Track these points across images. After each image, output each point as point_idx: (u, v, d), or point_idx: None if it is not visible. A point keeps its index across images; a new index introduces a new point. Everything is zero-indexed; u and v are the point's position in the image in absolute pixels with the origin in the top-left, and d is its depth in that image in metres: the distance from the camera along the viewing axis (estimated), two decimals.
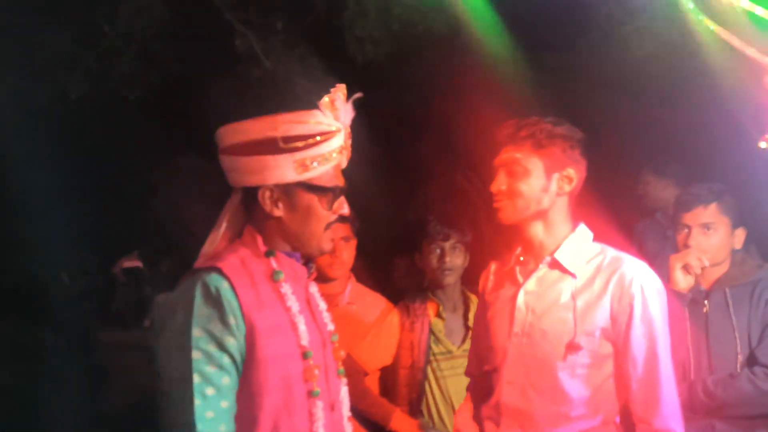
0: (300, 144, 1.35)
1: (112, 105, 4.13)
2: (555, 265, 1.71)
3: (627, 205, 3.48)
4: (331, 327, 1.52)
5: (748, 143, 1.74)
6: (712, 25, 1.51)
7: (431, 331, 2.49)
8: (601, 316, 1.65)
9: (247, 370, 1.34)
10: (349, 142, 1.45)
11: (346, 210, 1.46)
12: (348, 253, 2.51)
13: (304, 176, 1.38)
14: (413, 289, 2.62)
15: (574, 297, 1.66)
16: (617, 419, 1.68)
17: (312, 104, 1.38)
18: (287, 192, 1.40)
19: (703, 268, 2.12)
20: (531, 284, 1.73)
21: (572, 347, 1.63)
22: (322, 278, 2.53)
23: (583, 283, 1.68)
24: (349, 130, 1.44)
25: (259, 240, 1.43)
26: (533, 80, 4.15)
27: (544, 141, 1.66)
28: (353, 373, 2.47)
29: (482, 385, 1.86)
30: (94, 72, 4.04)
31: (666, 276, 3.46)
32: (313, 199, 1.41)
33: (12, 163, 3.61)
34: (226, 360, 1.31)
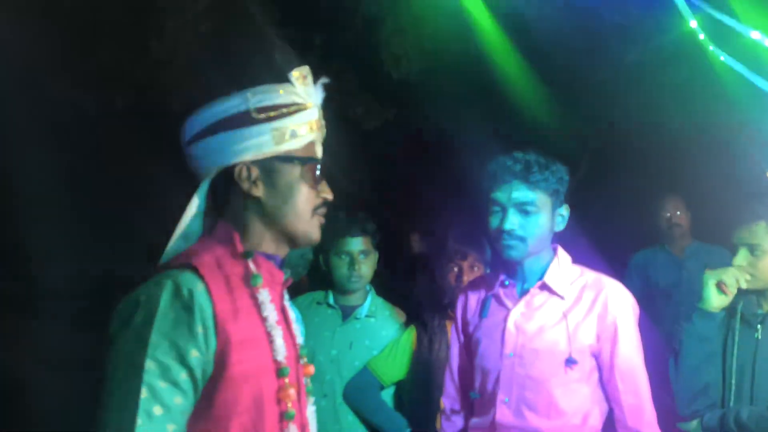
0: (275, 113, 1.26)
1: (157, 116, 4.31)
2: (544, 288, 1.79)
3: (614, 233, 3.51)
4: (300, 341, 1.37)
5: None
6: (724, 57, 1.51)
7: (449, 348, 2.51)
8: (589, 334, 1.74)
9: (213, 389, 1.16)
10: (323, 123, 1.36)
11: (330, 195, 1.34)
12: (367, 266, 2.54)
13: (283, 147, 1.27)
14: (433, 306, 2.65)
15: (565, 316, 1.74)
16: (600, 426, 1.78)
17: (283, 79, 1.31)
18: (266, 168, 1.27)
19: (761, 290, 1.96)
20: (520, 307, 1.80)
21: (570, 362, 1.71)
22: (341, 290, 2.59)
23: (571, 303, 1.76)
24: (321, 111, 1.35)
25: (237, 238, 1.28)
26: (556, 104, 4.15)
27: (553, 182, 1.73)
28: (369, 386, 2.51)
29: (470, 407, 1.92)
30: (141, 83, 4.22)
31: (680, 309, 3.43)
32: (294, 174, 1.29)
33: (58, 167, 3.79)
34: (183, 376, 1.13)
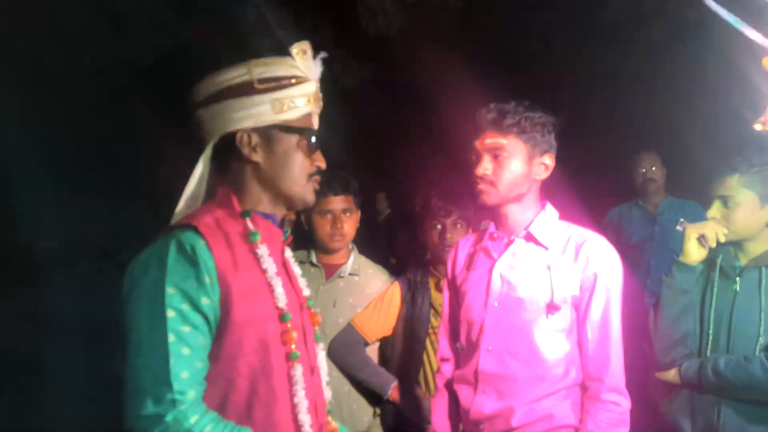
0: (275, 85, 1.36)
1: (123, 72, 4.17)
2: (530, 238, 1.84)
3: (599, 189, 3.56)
4: (306, 292, 1.50)
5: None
6: (713, 6, 1.51)
7: (431, 305, 2.53)
8: (572, 284, 1.78)
9: (222, 333, 1.31)
10: (320, 96, 1.45)
11: (324, 164, 1.44)
12: (349, 225, 2.53)
13: (282, 117, 1.37)
14: (415, 263, 2.66)
15: (548, 267, 1.79)
16: (582, 379, 1.81)
17: (284, 53, 1.40)
18: (265, 135, 1.38)
19: (736, 242, 1.99)
20: (506, 257, 1.85)
21: (552, 307, 1.76)
22: (323, 249, 2.57)
23: (555, 254, 1.81)
24: (318, 85, 1.44)
25: (234, 200, 1.40)
26: (546, 58, 4.12)
27: (528, 128, 1.78)
28: (354, 342, 2.53)
29: (458, 356, 1.96)
30: (107, 39, 4.07)
31: (652, 262, 3.52)
32: (291, 143, 1.40)
33: (22, 125, 3.66)
34: (199, 320, 1.28)
